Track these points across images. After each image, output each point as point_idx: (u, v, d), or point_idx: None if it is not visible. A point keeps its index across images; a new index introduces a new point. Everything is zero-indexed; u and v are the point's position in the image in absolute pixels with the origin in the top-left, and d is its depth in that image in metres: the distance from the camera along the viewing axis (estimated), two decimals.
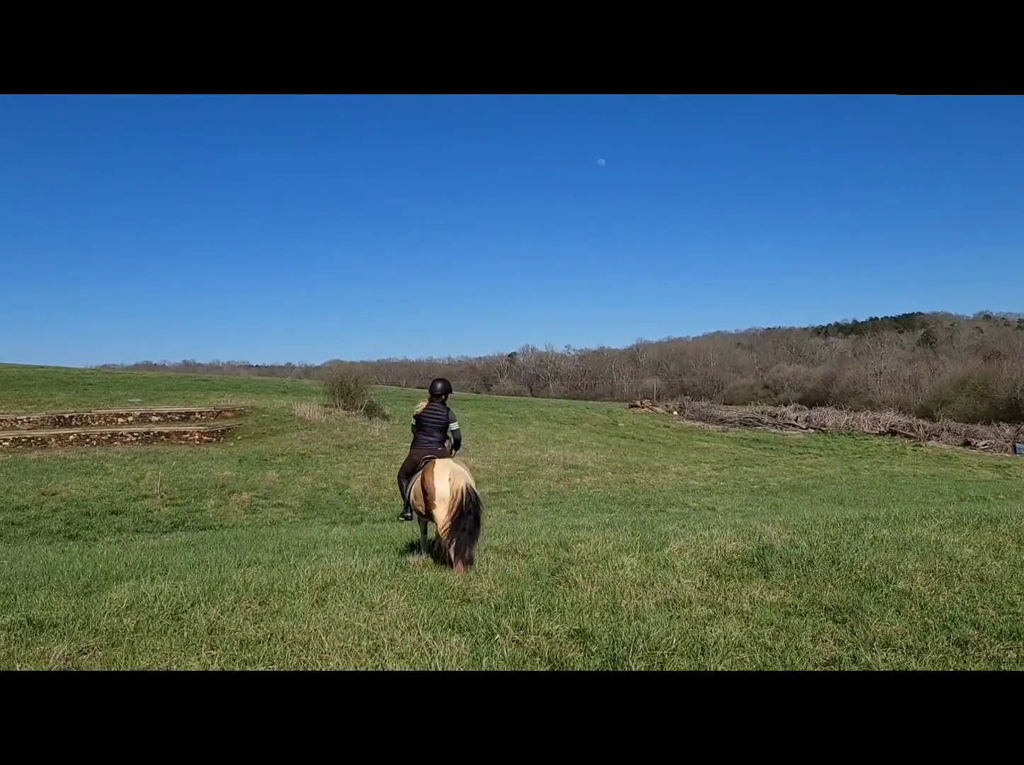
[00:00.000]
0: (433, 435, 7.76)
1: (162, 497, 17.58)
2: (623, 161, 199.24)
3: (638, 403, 52.30)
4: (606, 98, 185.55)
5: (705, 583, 6.19)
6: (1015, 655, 4.39)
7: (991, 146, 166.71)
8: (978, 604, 5.31)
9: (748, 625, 5.11)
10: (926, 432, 41.85)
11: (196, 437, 26.43)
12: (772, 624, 5.11)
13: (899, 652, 4.50)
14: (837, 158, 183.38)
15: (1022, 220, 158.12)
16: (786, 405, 57.22)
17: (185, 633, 5.08)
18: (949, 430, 42.77)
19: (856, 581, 6.02)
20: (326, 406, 32.58)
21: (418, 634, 4.97)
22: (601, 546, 7.61)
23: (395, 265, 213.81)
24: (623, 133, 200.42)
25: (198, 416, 29.99)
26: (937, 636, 4.73)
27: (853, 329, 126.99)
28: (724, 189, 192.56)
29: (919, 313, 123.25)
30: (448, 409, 7.83)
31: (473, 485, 7.04)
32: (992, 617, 5.04)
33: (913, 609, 5.28)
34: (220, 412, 30.78)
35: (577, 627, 5.09)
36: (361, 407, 32.78)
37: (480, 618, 5.29)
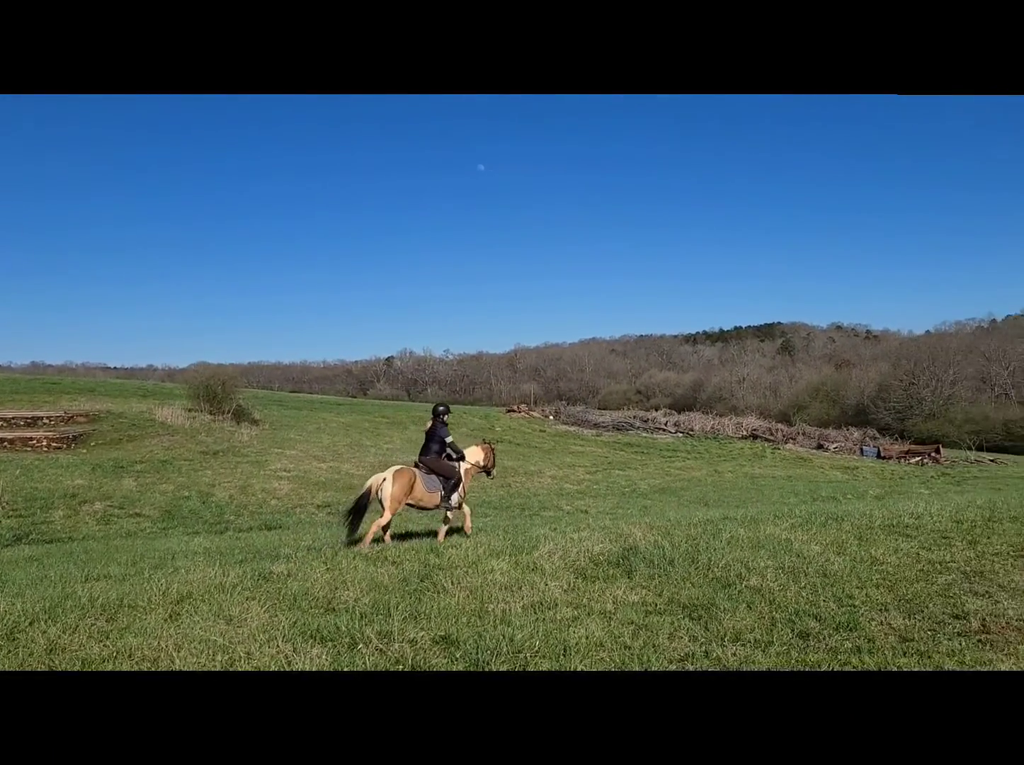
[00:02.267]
0: (432, 446, 9.82)
1: (3, 508, 16.30)
2: (502, 166, 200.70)
3: (515, 408, 52.85)
4: (486, 103, 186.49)
5: (572, 585, 6.29)
6: (851, 645, 4.68)
7: (833, 175, 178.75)
8: (820, 598, 5.65)
9: (610, 625, 5.23)
10: (784, 436, 44.33)
11: (44, 443, 24.66)
12: (633, 623, 5.25)
13: (747, 646, 4.72)
14: (709, 173, 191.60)
15: (863, 239, 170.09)
16: (657, 410, 59.36)
17: (20, 654, 4.70)
18: (804, 434, 45.49)
19: (712, 579, 6.27)
20: (191, 410, 31.18)
21: (277, 646, 4.80)
22: (472, 551, 7.61)
23: (269, 266, 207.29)
24: (502, 138, 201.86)
25: (46, 421, 27.98)
26: (783, 629, 4.99)
27: (719, 337, 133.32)
28: (604, 194, 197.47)
29: (779, 323, 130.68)
30: (445, 426, 9.90)
31: (391, 482, 9.09)
32: (832, 610, 5.36)
33: (762, 604, 5.55)
34: (72, 417, 28.87)
35: (443, 633, 5.05)
36: (229, 411, 31.55)
37: (344, 627, 5.17)
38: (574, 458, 33.37)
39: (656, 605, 5.68)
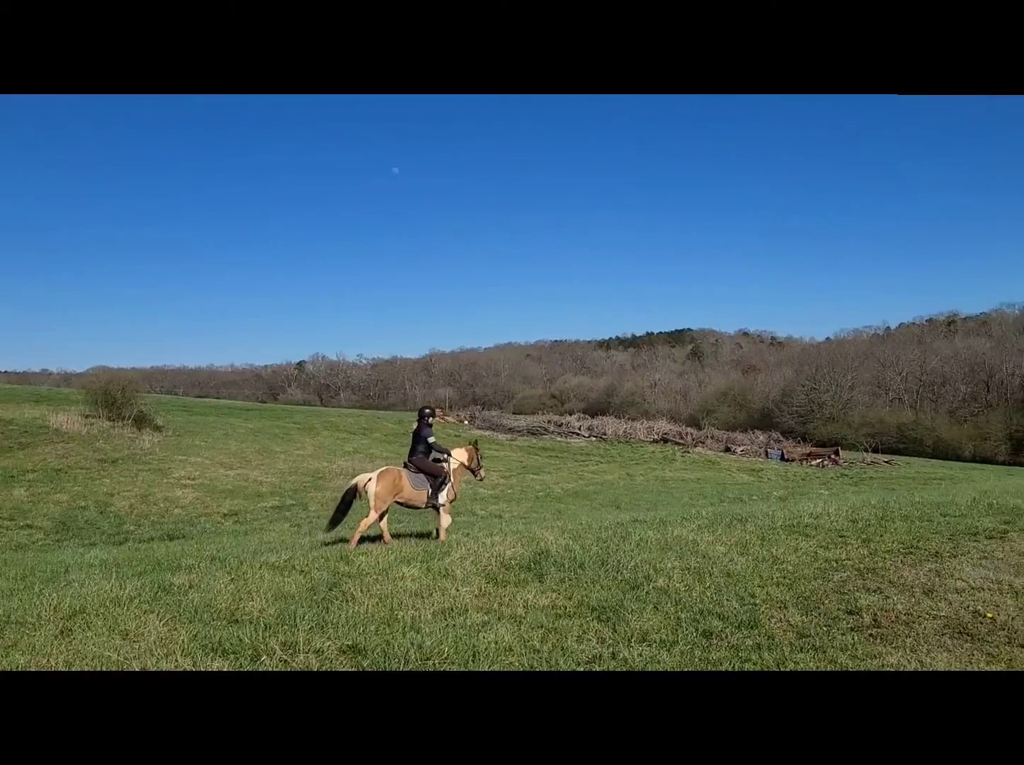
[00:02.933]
0: (418, 447, 10.30)
1: None
2: (417, 170, 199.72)
3: None
4: (401, 105, 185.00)
5: (483, 590, 6.27)
6: (751, 642, 4.83)
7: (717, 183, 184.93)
8: (724, 597, 5.80)
9: (520, 629, 5.24)
10: (693, 439, 45.49)
11: None
12: (542, 627, 5.27)
13: (653, 646, 4.81)
14: (623, 176, 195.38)
15: (770, 248, 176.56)
16: (571, 414, 59.98)
17: None
18: (713, 437, 46.78)
19: (622, 581, 6.36)
20: (88, 417, 29.79)
21: (176, 660, 4.62)
22: (383, 558, 7.51)
23: (174, 268, 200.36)
24: (417, 142, 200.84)
25: None
26: (687, 629, 5.11)
27: (632, 343, 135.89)
28: (519, 198, 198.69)
29: (689, 329, 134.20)
30: (429, 427, 10.40)
31: (375, 481, 9.64)
32: (735, 608, 5.52)
33: (669, 605, 5.66)
34: None
35: (350, 642, 4.96)
36: (129, 417, 30.28)
37: (247, 639, 5.01)
38: (489, 463, 33.28)
39: (566, 608, 5.72)
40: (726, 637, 4.93)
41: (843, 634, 4.93)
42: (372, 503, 9.56)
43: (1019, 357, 68.59)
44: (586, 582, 6.36)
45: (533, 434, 46.67)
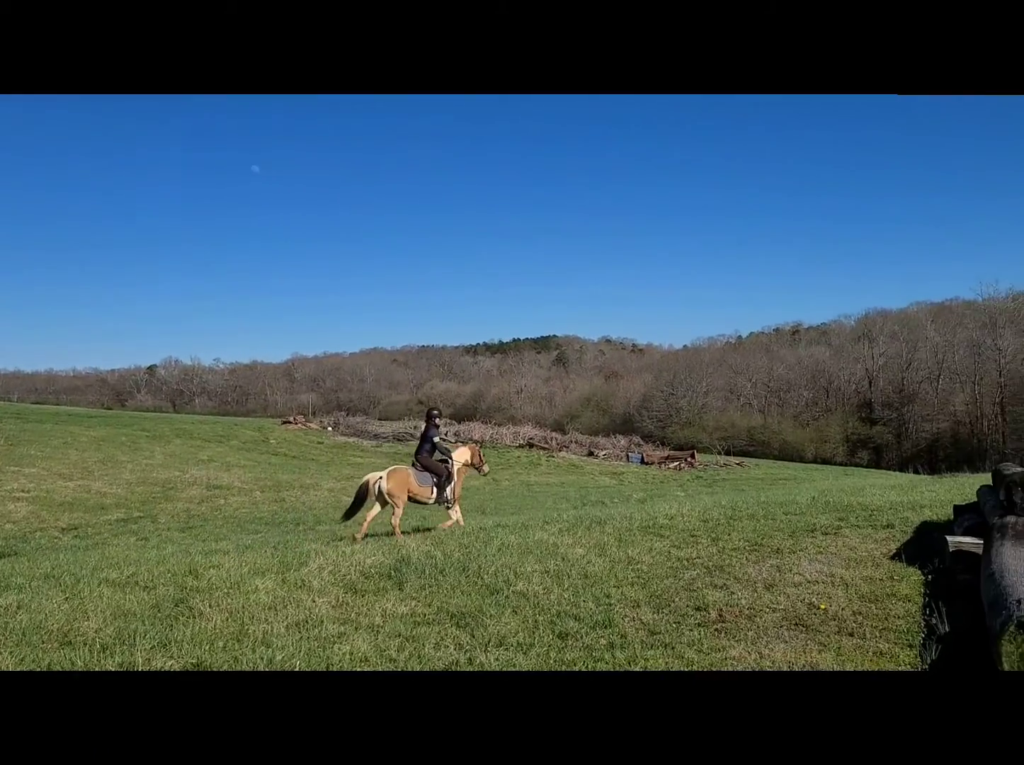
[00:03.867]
0: (425, 446, 11.13)
1: None
2: (278, 168, 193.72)
3: (291, 419, 51.03)
4: (262, 103, 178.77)
5: (340, 600, 6.12)
6: (605, 641, 4.93)
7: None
8: (581, 598, 5.91)
9: (377, 638, 5.13)
10: (558, 444, 46.37)
11: None
12: (400, 635, 5.19)
13: (511, 649, 4.83)
14: (488, 184, 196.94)
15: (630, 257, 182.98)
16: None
17: None
18: (577, 442, 47.87)
19: (482, 586, 6.36)
20: None
21: None
22: (235, 570, 7.18)
23: (5, 264, 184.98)
24: (277, 140, 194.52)
25: None
26: (544, 631, 5.16)
27: (499, 349, 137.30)
28: (384, 203, 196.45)
29: (554, 335, 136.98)
30: (436, 427, 11.25)
31: (385, 480, 10.50)
32: (591, 609, 5.63)
33: (527, 608, 5.71)
34: None
35: (194, 660, 4.71)
36: None
37: (80, 662, 4.66)
38: (353, 470, 32.75)
39: (425, 615, 5.66)
40: (581, 637, 5.02)
41: (691, 630, 5.12)
42: (392, 501, 10.54)
43: (854, 365, 74.20)
44: (446, 588, 6.32)
45: (399, 440, 46.21)
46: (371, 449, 42.13)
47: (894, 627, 5.03)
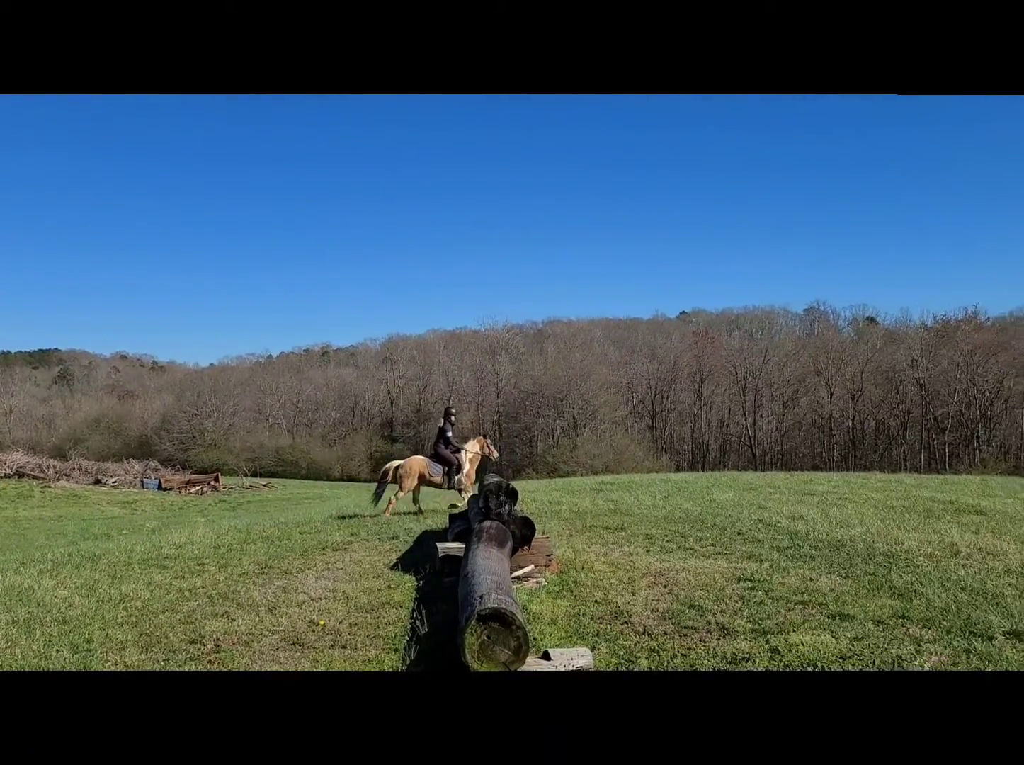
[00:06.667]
0: (439, 439, 13.18)
1: None
2: None
3: None
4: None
5: None
6: None
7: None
8: (54, 648, 5.13)
9: None
10: (56, 472, 40.74)
11: None
12: None
13: None
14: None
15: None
16: None
17: None
18: (81, 469, 42.65)
19: None
20: None
21: None
22: None
23: None
24: None
25: None
26: None
27: None
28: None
29: (56, 349, 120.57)
30: (452, 425, 13.38)
31: (400, 467, 12.80)
32: (66, 658, 4.93)
33: None
34: None
35: None
36: None
37: None
38: None
39: None
40: None
41: (179, 666, 4.78)
42: (402, 484, 12.54)
43: (378, 386, 79.03)
44: None
45: None
46: None
47: (384, 634, 5.32)
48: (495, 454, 14.04)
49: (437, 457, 12.99)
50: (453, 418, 13.66)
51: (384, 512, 12.35)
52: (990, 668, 4.37)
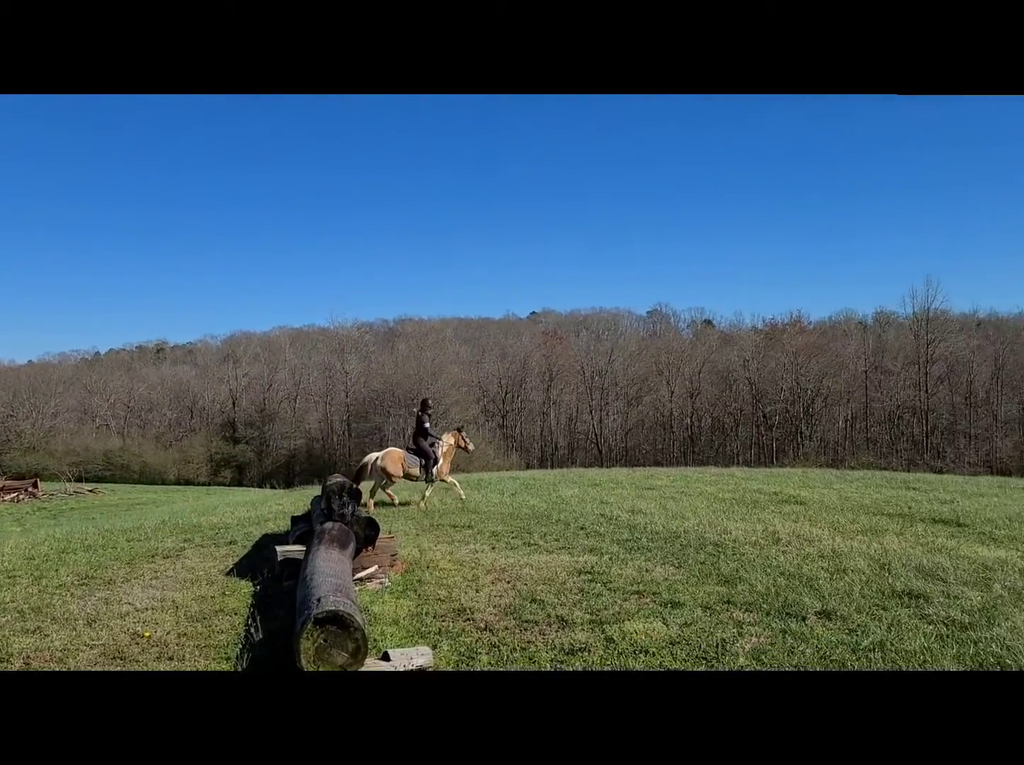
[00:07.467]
0: (417, 431, 13.13)
1: None
2: None
3: None
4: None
5: None
6: None
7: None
8: None
9: None
10: None
11: None
12: None
13: None
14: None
15: None
16: None
17: None
18: None
19: None
20: None
21: None
22: None
23: None
24: None
25: None
26: None
27: None
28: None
29: None
30: (428, 416, 13.27)
31: (381, 460, 12.70)
32: None
33: None
34: None
35: None
36: None
37: None
38: None
39: None
40: None
41: None
42: (389, 476, 12.56)
43: (219, 385, 75.49)
44: None
45: None
46: None
47: (215, 643, 5.07)
48: (471, 446, 14.03)
49: (417, 449, 12.80)
50: (431, 410, 13.48)
51: (368, 506, 11.84)
52: (803, 647, 4.72)
